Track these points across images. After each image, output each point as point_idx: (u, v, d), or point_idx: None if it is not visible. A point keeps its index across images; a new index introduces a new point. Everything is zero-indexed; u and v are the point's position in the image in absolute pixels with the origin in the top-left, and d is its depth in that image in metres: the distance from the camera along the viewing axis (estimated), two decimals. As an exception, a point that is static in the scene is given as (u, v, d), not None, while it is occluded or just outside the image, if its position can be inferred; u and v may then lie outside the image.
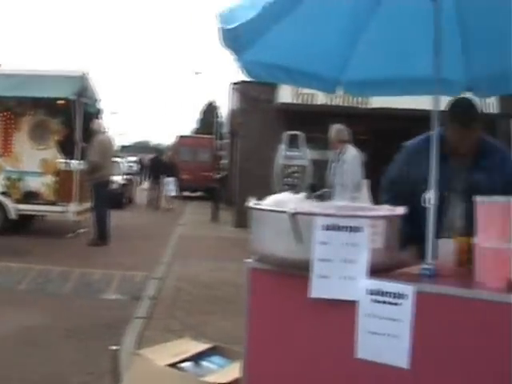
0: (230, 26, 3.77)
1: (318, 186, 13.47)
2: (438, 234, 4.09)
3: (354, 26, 4.86)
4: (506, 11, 4.27)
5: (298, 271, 3.60)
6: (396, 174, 4.86)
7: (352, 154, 10.99)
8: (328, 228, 3.47)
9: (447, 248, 3.75)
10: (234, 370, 4.55)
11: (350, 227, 3.46)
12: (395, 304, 3.40)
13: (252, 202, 3.87)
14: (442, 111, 4.31)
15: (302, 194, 3.96)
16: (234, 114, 31.68)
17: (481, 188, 4.28)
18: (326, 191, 11.46)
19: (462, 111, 4.28)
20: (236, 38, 4.06)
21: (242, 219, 18.09)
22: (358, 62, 5.12)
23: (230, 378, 4.67)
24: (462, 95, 4.71)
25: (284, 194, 3.94)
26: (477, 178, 4.59)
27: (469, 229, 4.01)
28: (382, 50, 5.02)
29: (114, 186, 24.24)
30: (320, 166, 15.10)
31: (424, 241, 3.85)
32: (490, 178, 4.57)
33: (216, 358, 5.36)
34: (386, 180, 4.93)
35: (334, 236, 3.47)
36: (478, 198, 3.55)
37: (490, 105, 8.79)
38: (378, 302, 3.44)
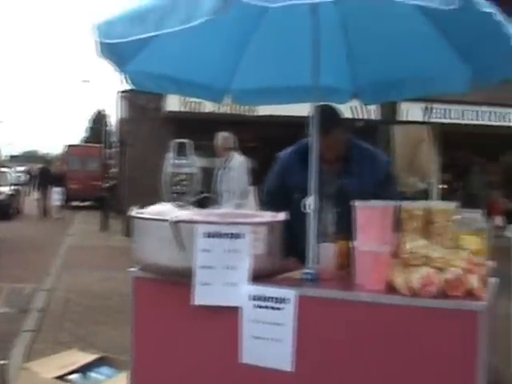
0: (108, 41, 3.72)
1: (206, 193, 13.48)
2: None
3: (241, 36, 4.90)
4: (388, 24, 4.40)
5: (181, 279, 3.60)
6: (271, 185, 4.90)
7: (238, 161, 11.02)
8: (209, 235, 3.49)
9: (328, 252, 3.82)
10: (122, 380, 4.53)
11: (232, 234, 3.50)
12: (278, 309, 3.45)
13: (134, 211, 3.87)
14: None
15: (185, 204, 3.97)
16: (122, 123, 31.47)
17: (350, 193, 4.33)
18: (205, 197, 11.50)
19: (322, 118, 4.35)
20: (116, 51, 4.03)
21: (131, 228, 17.95)
22: (245, 71, 5.16)
23: (117, 389, 4.66)
24: (326, 102, 4.78)
25: (167, 205, 3.94)
26: (346, 183, 4.64)
27: (339, 234, 4.14)
28: (268, 59, 5.08)
29: (1, 197, 23.72)
30: (208, 174, 15.12)
31: (301, 251, 3.91)
32: (361, 182, 4.60)
33: (104, 369, 5.33)
34: (263, 192, 4.96)
35: (216, 243, 3.50)
36: (357, 202, 3.63)
37: (371, 112, 8.97)
38: (261, 307, 3.49)
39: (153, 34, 3.44)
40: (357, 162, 4.71)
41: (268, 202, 4.85)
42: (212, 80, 5.19)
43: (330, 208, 4.60)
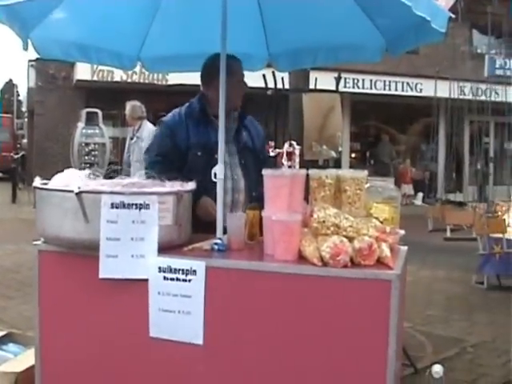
0: (2, 3, 3.53)
1: (116, 163, 13.33)
2: (226, 195, 4.37)
3: (151, 2, 4.81)
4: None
5: (87, 252, 3.51)
6: (162, 146, 4.72)
7: (148, 131, 10.86)
8: (115, 206, 3.39)
9: (237, 222, 3.75)
10: (30, 357, 4.40)
11: (138, 204, 3.40)
12: (186, 280, 3.39)
13: (37, 182, 3.72)
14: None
15: (90, 172, 3.83)
16: (31, 92, 30.95)
17: (249, 147, 4.75)
18: (114, 169, 11.36)
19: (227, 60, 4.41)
20: (16, 16, 3.87)
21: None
22: (155, 38, 5.13)
23: (25, 366, 4.54)
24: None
25: (71, 172, 3.79)
26: (244, 138, 4.80)
27: (251, 187, 4.47)
28: (178, 25, 5.04)
29: None
30: (120, 144, 14.99)
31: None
32: (252, 138, 4.84)
33: (11, 346, 5.21)
34: (152, 156, 4.76)
35: (122, 214, 3.40)
36: (265, 171, 3.61)
37: (282, 80, 8.93)
38: (169, 279, 3.42)
39: None
40: (246, 118, 4.87)
41: (160, 161, 4.64)
42: (122, 47, 5.12)
43: (236, 162, 4.69)
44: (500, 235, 10.02)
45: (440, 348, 6.94)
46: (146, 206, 3.41)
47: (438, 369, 5.54)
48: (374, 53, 4.98)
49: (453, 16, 3.89)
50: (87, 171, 3.78)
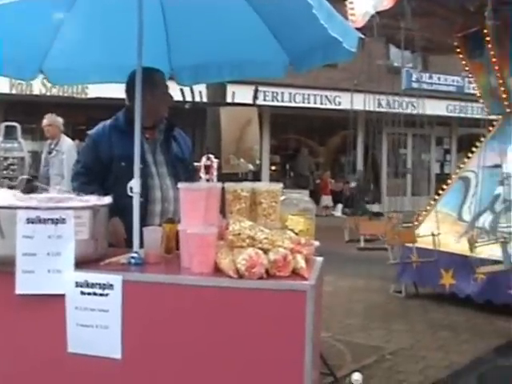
0: None
1: (35, 177, 13.16)
2: (155, 205, 4.57)
3: (56, 13, 4.78)
4: (207, 7, 4.42)
5: (3, 267, 3.45)
6: (87, 158, 4.84)
7: (68, 145, 10.82)
8: (31, 221, 3.37)
9: (154, 235, 3.77)
10: None
11: (54, 219, 3.39)
12: (103, 295, 3.39)
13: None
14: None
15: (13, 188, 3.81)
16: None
17: (179, 158, 4.90)
18: (29, 180, 11.23)
19: (149, 73, 4.44)
20: None
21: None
22: (59, 50, 5.07)
23: None
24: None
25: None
26: (174, 149, 4.92)
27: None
28: (82, 38, 4.99)
29: None
30: (39, 157, 14.81)
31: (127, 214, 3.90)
32: (182, 150, 4.99)
33: None
34: (78, 167, 4.88)
35: (38, 229, 3.38)
36: (181, 185, 3.64)
37: (200, 94, 8.98)
38: (86, 293, 3.41)
39: None
40: (177, 132, 4.99)
41: (84, 173, 4.78)
42: (23, 58, 5.04)
43: (165, 172, 4.79)
44: (412, 245, 10.16)
45: (359, 356, 7.02)
46: (62, 221, 3.40)
47: (357, 376, 5.67)
48: (278, 69, 5.12)
49: (363, 36, 3.96)
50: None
